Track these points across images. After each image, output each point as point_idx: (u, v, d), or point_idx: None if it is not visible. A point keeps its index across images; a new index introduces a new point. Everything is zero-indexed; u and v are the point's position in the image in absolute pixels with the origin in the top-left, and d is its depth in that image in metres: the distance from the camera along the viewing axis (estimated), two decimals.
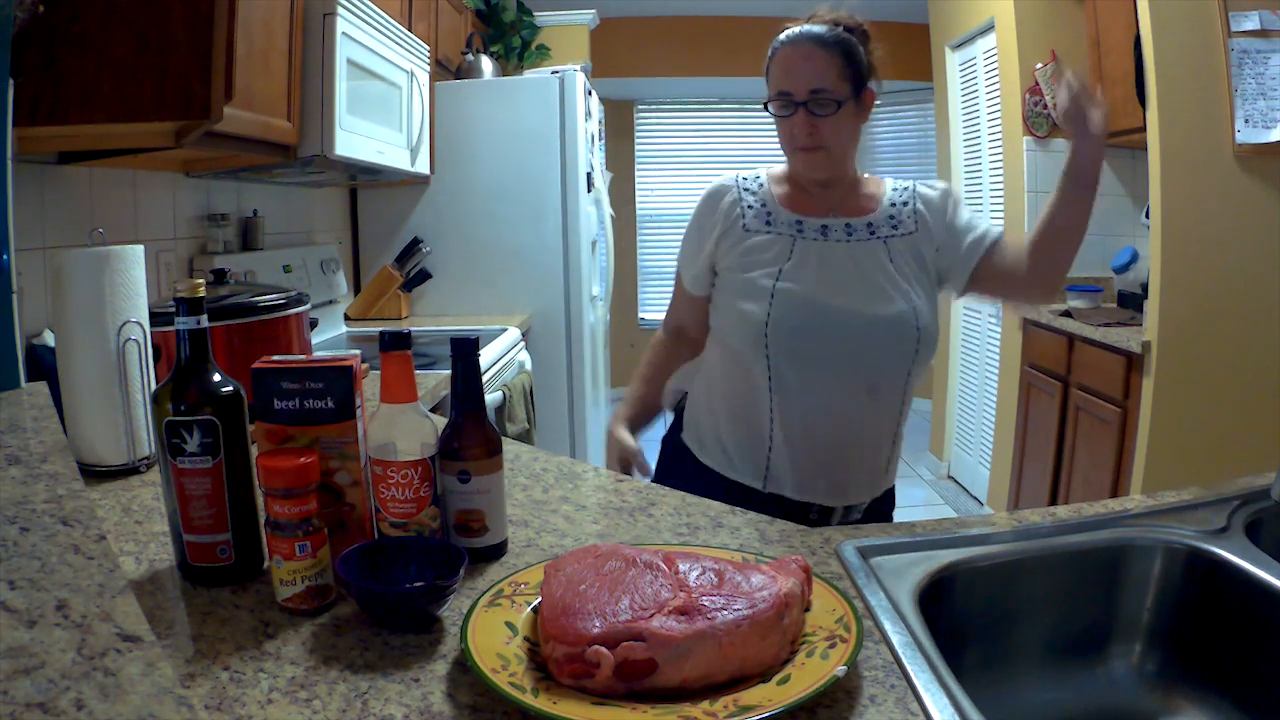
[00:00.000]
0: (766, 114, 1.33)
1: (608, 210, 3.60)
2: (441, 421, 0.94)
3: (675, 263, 1.49)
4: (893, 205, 1.37)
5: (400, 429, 0.86)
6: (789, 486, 1.31)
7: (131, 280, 1.21)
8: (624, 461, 1.46)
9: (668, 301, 1.56)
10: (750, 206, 1.37)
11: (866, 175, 1.43)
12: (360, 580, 0.80)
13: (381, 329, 0.89)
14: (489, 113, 3.19)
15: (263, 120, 1.80)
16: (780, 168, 1.42)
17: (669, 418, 1.56)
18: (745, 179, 1.41)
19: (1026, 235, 1.33)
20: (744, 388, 1.34)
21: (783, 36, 1.33)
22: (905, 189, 1.39)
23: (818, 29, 1.30)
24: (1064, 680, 0.96)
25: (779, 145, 1.36)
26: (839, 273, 1.31)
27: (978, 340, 3.93)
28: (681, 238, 1.47)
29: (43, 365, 1.38)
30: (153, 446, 1.22)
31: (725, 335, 1.36)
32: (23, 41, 1.32)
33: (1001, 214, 3.55)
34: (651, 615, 0.68)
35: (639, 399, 1.55)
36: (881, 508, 1.40)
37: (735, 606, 0.70)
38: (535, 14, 4.14)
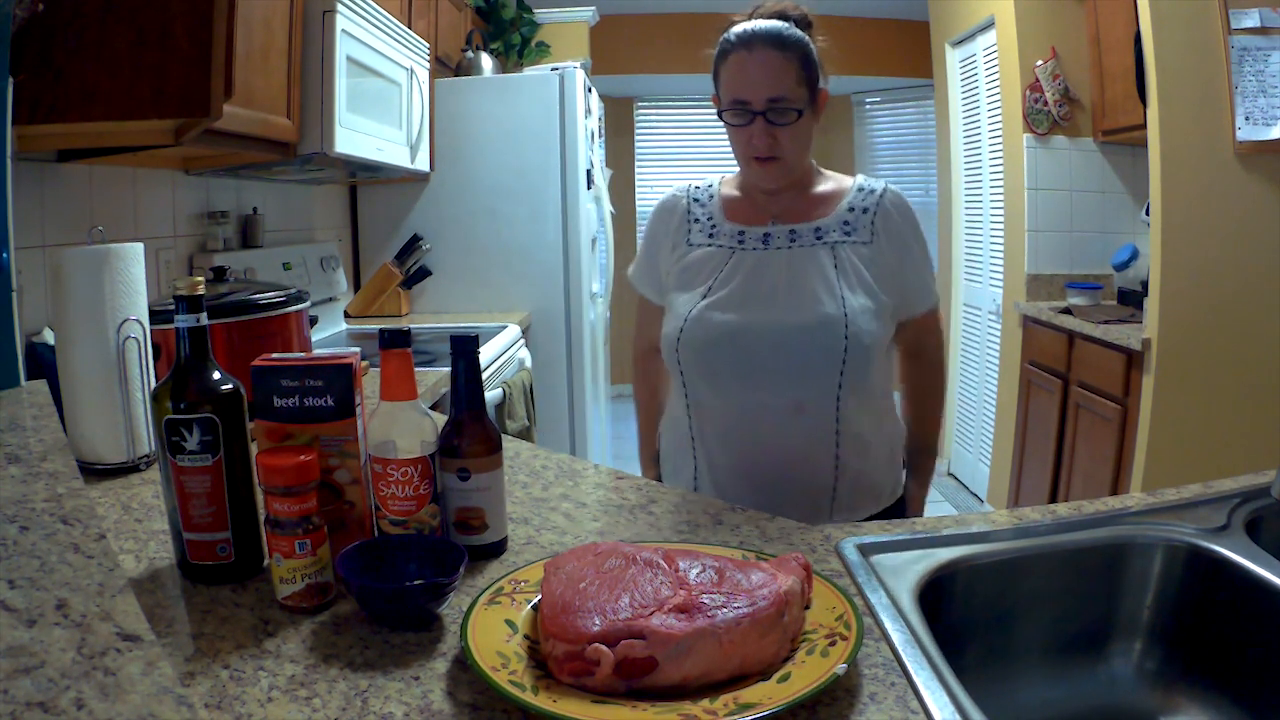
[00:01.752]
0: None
1: (608, 207, 3.60)
2: (441, 419, 0.94)
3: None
4: (851, 210, 1.29)
5: (400, 427, 0.86)
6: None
7: (131, 278, 1.21)
8: None
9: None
10: (696, 220, 1.35)
11: (826, 173, 1.35)
12: (360, 578, 0.80)
13: (381, 326, 0.89)
14: (489, 110, 3.18)
15: (262, 118, 1.80)
16: (734, 174, 1.37)
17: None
18: (697, 189, 1.38)
19: (908, 385, 1.45)
20: (674, 410, 1.34)
21: (734, 36, 1.22)
22: (872, 193, 1.30)
23: (773, 27, 1.20)
24: (1064, 678, 0.96)
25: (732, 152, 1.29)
26: (770, 283, 1.25)
27: (978, 337, 3.93)
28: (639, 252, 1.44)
29: (42, 363, 1.38)
30: (152, 444, 1.22)
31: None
32: (22, 39, 1.32)
33: (1001, 212, 3.55)
34: (651, 613, 0.68)
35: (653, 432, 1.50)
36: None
37: (735, 604, 0.70)
38: (535, 11, 4.13)
